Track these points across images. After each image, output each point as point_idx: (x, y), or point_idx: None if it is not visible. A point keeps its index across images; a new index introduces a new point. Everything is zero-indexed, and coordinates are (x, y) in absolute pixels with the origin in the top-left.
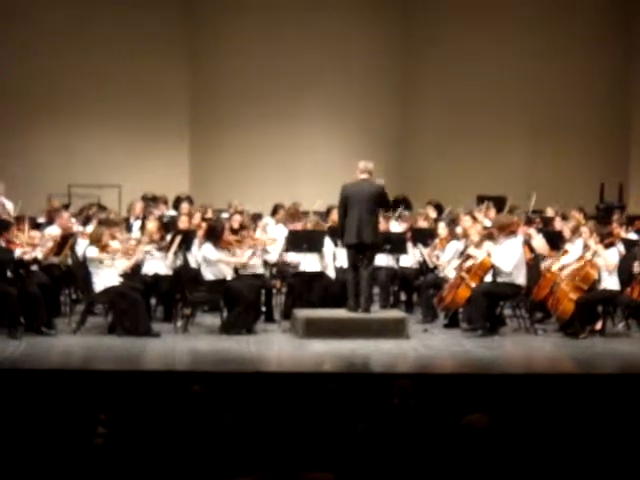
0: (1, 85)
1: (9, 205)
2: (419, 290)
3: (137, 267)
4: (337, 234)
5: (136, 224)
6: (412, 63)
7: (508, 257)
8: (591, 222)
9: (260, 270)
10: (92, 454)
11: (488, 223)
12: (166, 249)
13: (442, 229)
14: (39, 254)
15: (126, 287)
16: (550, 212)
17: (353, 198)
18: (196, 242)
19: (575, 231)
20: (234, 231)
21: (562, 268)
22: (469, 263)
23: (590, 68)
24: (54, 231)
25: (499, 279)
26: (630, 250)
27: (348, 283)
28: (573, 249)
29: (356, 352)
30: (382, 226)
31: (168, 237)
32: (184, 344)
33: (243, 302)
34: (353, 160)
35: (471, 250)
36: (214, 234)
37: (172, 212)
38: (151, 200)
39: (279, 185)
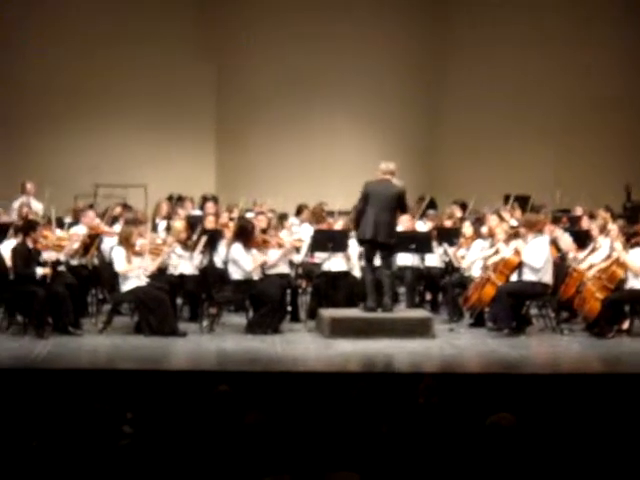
0: (29, 86)
1: (38, 206)
2: (445, 289)
3: (163, 267)
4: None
5: (162, 224)
6: (439, 63)
7: (537, 254)
8: (621, 221)
9: (286, 270)
10: (118, 454)
11: (514, 223)
12: (192, 249)
13: (467, 228)
14: (62, 257)
15: (152, 287)
16: (579, 211)
17: (373, 196)
18: (223, 242)
19: (603, 230)
20: (262, 230)
21: (590, 267)
22: (496, 258)
23: (615, 67)
24: (80, 230)
25: (525, 278)
26: None
27: (366, 282)
28: (602, 248)
29: (382, 352)
30: (408, 225)
31: (194, 237)
32: (210, 344)
33: (269, 302)
34: (379, 159)
35: (500, 245)
36: (244, 234)
37: (198, 212)
38: (177, 200)
39: (305, 184)
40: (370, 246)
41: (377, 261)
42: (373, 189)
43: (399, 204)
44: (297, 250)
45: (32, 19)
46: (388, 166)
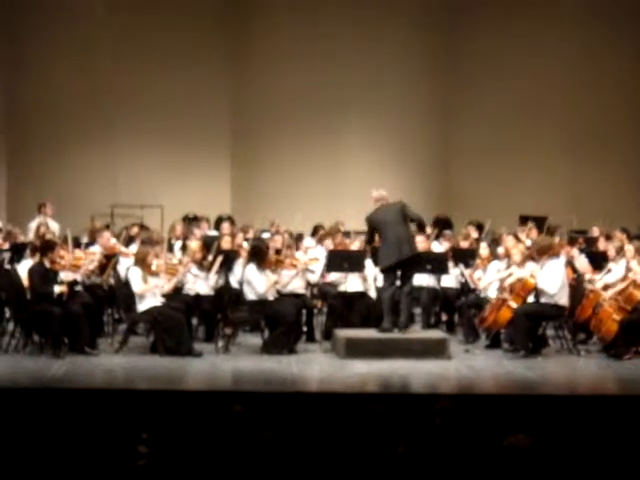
0: (46, 107)
1: (54, 226)
2: (460, 310)
3: (179, 287)
4: (375, 257)
5: (177, 244)
6: (454, 83)
7: (552, 279)
8: (637, 242)
9: (301, 290)
10: (134, 474)
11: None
12: (208, 269)
13: (483, 249)
14: (79, 277)
15: (168, 307)
16: (595, 232)
17: (382, 223)
18: (239, 262)
19: (620, 251)
20: (277, 251)
21: (605, 287)
22: (511, 279)
23: (636, 85)
24: (97, 251)
25: (542, 300)
26: None
27: (384, 303)
28: (616, 268)
29: (397, 372)
30: (424, 246)
31: (210, 257)
32: (226, 364)
33: (284, 322)
34: (395, 179)
35: (513, 269)
36: (258, 255)
37: (213, 232)
38: (193, 220)
39: (321, 205)
40: (396, 269)
41: (396, 281)
42: (378, 217)
43: (408, 216)
44: (309, 270)
45: (45, 38)
46: (380, 193)
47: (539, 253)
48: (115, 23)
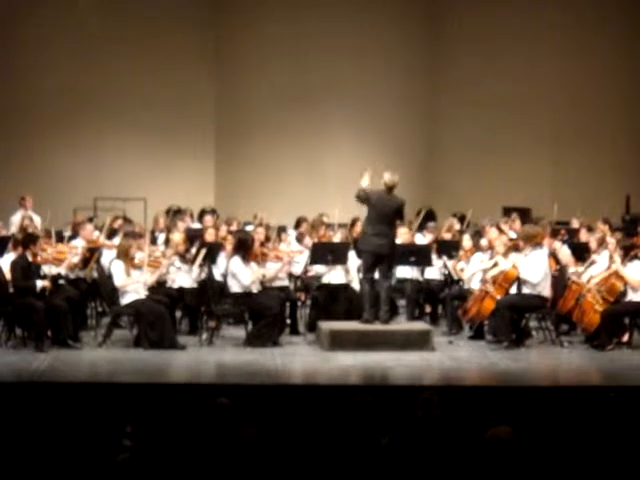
0: (28, 99)
1: (37, 219)
2: (444, 302)
3: (162, 280)
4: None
5: (161, 237)
6: (438, 78)
7: (535, 268)
8: (618, 234)
9: (285, 282)
10: (118, 467)
11: (513, 235)
12: (191, 262)
13: (467, 241)
14: (62, 270)
15: (151, 300)
16: (575, 223)
17: (377, 208)
18: (223, 255)
19: (601, 242)
20: (261, 243)
21: (590, 279)
22: (494, 271)
23: (616, 79)
24: (79, 244)
25: (524, 291)
26: None
27: (364, 294)
28: (600, 260)
29: (381, 364)
30: (407, 238)
31: (193, 250)
32: (209, 357)
33: (268, 315)
34: (379, 172)
35: (498, 258)
36: (243, 247)
37: (197, 225)
38: (176, 213)
39: (304, 198)
40: (371, 257)
41: (376, 274)
42: (378, 200)
43: (399, 215)
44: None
45: (26, 33)
46: (393, 179)
47: (526, 240)
48: (97, 19)
